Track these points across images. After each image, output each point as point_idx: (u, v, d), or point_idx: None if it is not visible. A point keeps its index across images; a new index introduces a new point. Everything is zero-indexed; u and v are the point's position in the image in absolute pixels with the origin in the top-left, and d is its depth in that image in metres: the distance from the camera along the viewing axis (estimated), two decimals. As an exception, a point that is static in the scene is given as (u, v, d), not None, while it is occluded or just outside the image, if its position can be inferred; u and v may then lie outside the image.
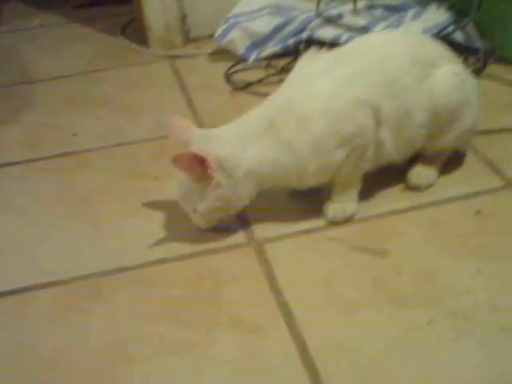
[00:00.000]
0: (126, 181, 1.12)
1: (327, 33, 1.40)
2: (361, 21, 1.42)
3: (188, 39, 1.67)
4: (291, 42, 1.43)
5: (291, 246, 0.95)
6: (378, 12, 1.48)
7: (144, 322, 0.84)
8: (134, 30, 1.77)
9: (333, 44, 1.35)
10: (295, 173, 0.94)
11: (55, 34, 1.84)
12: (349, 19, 1.43)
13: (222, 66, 1.50)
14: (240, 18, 1.51)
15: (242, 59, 1.49)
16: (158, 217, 1.02)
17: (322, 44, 1.35)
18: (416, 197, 1.02)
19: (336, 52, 0.99)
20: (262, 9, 1.52)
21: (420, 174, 1.03)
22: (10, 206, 1.10)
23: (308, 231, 0.97)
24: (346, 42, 1.33)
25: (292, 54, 1.42)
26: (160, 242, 0.97)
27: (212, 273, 0.91)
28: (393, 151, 0.98)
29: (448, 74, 0.99)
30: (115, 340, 0.82)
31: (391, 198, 1.02)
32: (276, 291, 0.86)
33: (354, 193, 0.98)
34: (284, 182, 0.96)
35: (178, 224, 1.00)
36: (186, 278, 0.91)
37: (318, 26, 1.43)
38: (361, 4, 1.48)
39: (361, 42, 1.02)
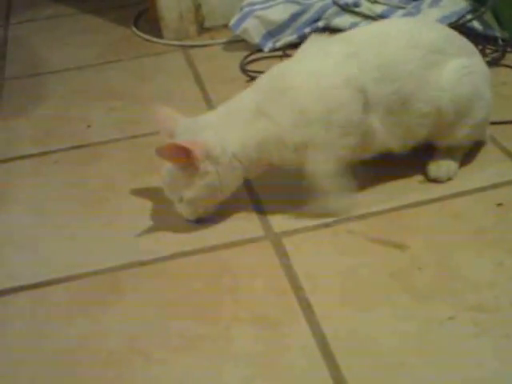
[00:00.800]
0: (141, 173, 1.12)
1: (344, 21, 1.40)
2: (378, 9, 1.42)
3: (202, 29, 1.67)
4: (307, 30, 1.43)
5: (309, 239, 0.95)
6: (395, 0, 1.47)
7: (162, 317, 0.85)
8: (147, 20, 1.78)
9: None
10: (276, 151, 0.94)
11: (67, 24, 1.85)
12: (366, 7, 1.43)
13: (237, 56, 1.50)
14: (255, 6, 1.51)
15: (257, 48, 1.49)
16: (175, 210, 1.02)
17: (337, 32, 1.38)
18: (436, 189, 1.02)
19: (334, 36, 1.00)
20: (278, -3, 1.52)
21: (440, 166, 1.02)
22: (24, 199, 1.11)
23: (326, 224, 0.97)
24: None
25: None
26: (177, 236, 0.98)
27: (230, 267, 0.92)
28: (387, 140, 0.96)
29: (456, 68, 0.97)
30: (133, 335, 0.83)
31: (410, 191, 1.02)
32: (295, 285, 0.87)
33: (339, 185, 0.95)
34: (268, 163, 0.96)
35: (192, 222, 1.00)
36: (204, 272, 0.91)
37: (335, 14, 1.43)
38: (378, -9, 1.47)
39: (363, 28, 1.04)
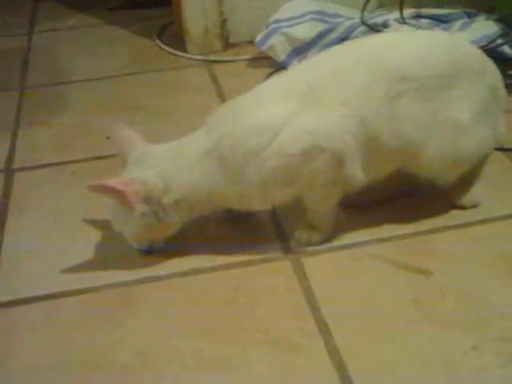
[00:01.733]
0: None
1: (372, 41, 1.40)
2: (406, 30, 1.42)
3: (227, 44, 1.69)
4: (334, 49, 1.43)
5: (330, 261, 0.95)
6: (425, 21, 1.48)
7: (176, 334, 0.85)
8: (172, 33, 1.80)
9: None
10: (238, 200, 0.92)
11: (90, 35, 1.88)
12: (394, 28, 1.43)
13: (262, 73, 1.51)
14: (281, 23, 1.52)
15: (282, 66, 1.50)
16: (192, 226, 1.01)
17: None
18: (460, 214, 1.01)
19: (294, 71, 0.96)
20: (305, 15, 1.53)
21: (464, 193, 1.01)
22: (40, 208, 1.12)
23: (347, 246, 0.97)
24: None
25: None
26: (194, 252, 0.98)
27: (247, 285, 0.92)
28: (367, 180, 0.92)
29: (427, 99, 0.89)
30: (145, 351, 0.83)
31: (435, 215, 1.01)
32: (314, 308, 0.86)
33: (325, 220, 0.96)
34: (223, 205, 0.95)
35: (212, 233, 1.01)
36: (220, 290, 0.91)
37: (363, 33, 1.43)
38: (407, 13, 1.48)
39: (320, 59, 0.95)
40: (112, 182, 0.90)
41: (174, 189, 0.91)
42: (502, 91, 0.98)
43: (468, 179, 1.01)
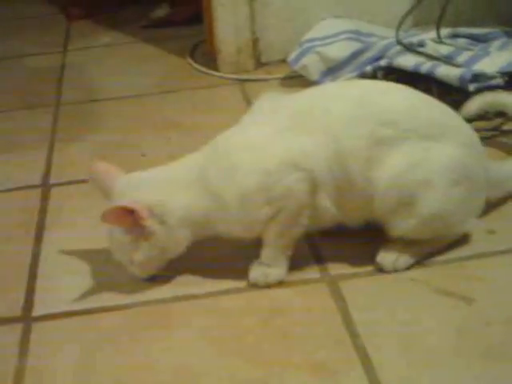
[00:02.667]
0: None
1: (407, 61, 1.39)
2: (443, 49, 1.41)
3: (259, 63, 1.69)
4: (369, 68, 1.43)
5: (369, 284, 0.93)
6: (462, 41, 1.46)
7: (211, 355, 0.84)
8: (204, 52, 1.81)
9: (412, 73, 1.35)
10: (223, 226, 0.92)
11: (123, 53, 1.90)
12: (431, 47, 1.42)
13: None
14: (315, 42, 1.52)
15: (314, 85, 1.49)
16: (229, 245, 1.01)
17: (399, 72, 1.37)
18: (503, 240, 0.99)
19: (286, 100, 0.96)
20: (339, 34, 1.52)
21: (387, 254, 0.94)
22: (76, 223, 1.12)
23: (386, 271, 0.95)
24: (428, 71, 1.33)
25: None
26: (230, 272, 0.97)
27: (283, 307, 0.90)
28: (339, 216, 0.92)
29: (406, 151, 0.88)
30: (180, 369, 0.82)
31: (476, 241, 0.98)
32: (352, 333, 0.85)
33: (283, 257, 0.94)
34: (217, 233, 0.94)
35: (248, 254, 0.99)
36: (257, 311, 0.90)
37: (398, 53, 1.42)
38: (444, 32, 1.46)
39: (315, 91, 0.98)
40: (121, 204, 0.90)
41: (173, 209, 0.91)
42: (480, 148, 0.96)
43: (401, 243, 0.94)
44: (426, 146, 0.89)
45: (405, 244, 0.94)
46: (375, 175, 0.88)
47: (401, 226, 0.91)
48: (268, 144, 0.90)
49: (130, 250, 0.93)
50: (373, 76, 1.42)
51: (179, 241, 0.93)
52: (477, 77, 1.29)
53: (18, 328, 0.91)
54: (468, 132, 0.95)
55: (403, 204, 0.89)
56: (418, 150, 0.88)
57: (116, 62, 1.82)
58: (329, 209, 0.91)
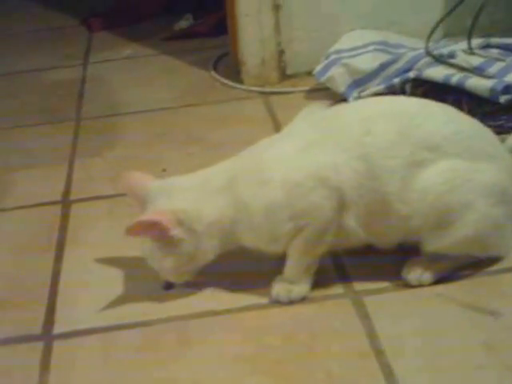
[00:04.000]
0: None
1: (437, 72, 1.42)
2: (475, 60, 1.43)
3: (284, 75, 1.73)
4: (397, 81, 1.46)
5: (394, 300, 0.96)
6: (494, 51, 1.49)
7: (232, 372, 0.87)
8: (227, 64, 1.86)
9: (442, 85, 1.38)
10: (249, 236, 0.96)
11: (145, 65, 1.96)
12: (462, 58, 1.44)
13: (327, 105, 1.54)
14: (342, 53, 1.55)
15: (341, 98, 1.53)
16: (250, 260, 1.05)
17: (428, 84, 1.40)
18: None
19: (324, 114, 1.00)
20: (367, 45, 1.56)
21: (412, 270, 0.98)
22: (96, 240, 1.17)
23: (411, 285, 0.98)
24: (458, 83, 1.36)
25: (397, 94, 1.44)
26: (252, 288, 1.01)
27: (307, 323, 0.94)
28: (364, 238, 0.96)
29: (443, 171, 0.91)
30: (202, 388, 0.85)
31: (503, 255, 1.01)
32: (377, 350, 0.88)
33: (306, 273, 0.98)
34: (243, 243, 0.98)
35: (272, 268, 1.02)
36: (279, 327, 0.94)
37: (427, 64, 1.45)
38: (476, 42, 1.49)
39: (353, 106, 1.00)
40: (145, 217, 0.95)
41: (202, 216, 0.96)
42: None
43: (430, 260, 0.98)
44: (467, 168, 0.93)
45: (431, 259, 0.97)
46: (412, 196, 0.92)
47: (435, 244, 0.95)
48: (298, 158, 0.94)
49: (160, 257, 0.98)
50: (401, 88, 1.45)
51: (208, 248, 0.98)
52: (509, 88, 1.32)
53: (39, 346, 0.95)
54: (507, 157, 0.99)
55: (441, 224, 0.93)
56: (459, 172, 0.92)
57: (138, 75, 1.88)
58: (355, 229, 0.94)
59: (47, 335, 0.98)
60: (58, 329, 0.99)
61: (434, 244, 0.95)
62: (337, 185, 0.92)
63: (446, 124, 0.95)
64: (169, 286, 1.03)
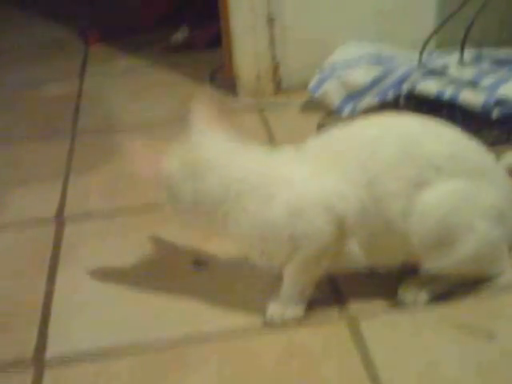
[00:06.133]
0: (214, 239, 1.12)
1: (430, 86, 1.40)
2: (467, 73, 1.41)
3: (279, 89, 1.71)
4: (390, 94, 1.44)
5: (389, 320, 0.94)
6: (486, 64, 1.46)
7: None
8: (222, 77, 1.83)
9: (435, 101, 1.36)
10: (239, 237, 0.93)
11: (141, 78, 1.93)
12: (454, 71, 1.42)
13: (314, 118, 1.52)
14: (336, 66, 1.53)
15: (335, 111, 1.51)
16: (245, 285, 1.03)
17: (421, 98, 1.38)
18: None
19: (334, 134, 0.97)
20: (360, 58, 1.54)
21: (409, 290, 0.96)
22: (88, 261, 1.13)
23: (407, 309, 0.95)
24: (451, 98, 1.34)
25: (390, 107, 1.42)
26: (245, 311, 0.98)
27: (301, 346, 0.91)
28: (365, 262, 0.94)
29: (443, 192, 0.90)
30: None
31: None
32: (372, 374, 0.85)
33: (301, 295, 0.96)
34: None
35: (264, 288, 1.01)
36: (273, 351, 0.91)
37: (421, 77, 1.43)
38: (467, 55, 1.46)
39: (358, 127, 0.96)
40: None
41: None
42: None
43: (427, 280, 0.96)
44: (468, 189, 0.91)
45: (426, 279, 0.95)
46: (415, 217, 0.90)
47: (435, 264, 0.93)
48: (306, 184, 0.91)
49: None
50: (395, 101, 1.43)
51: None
52: (500, 102, 1.29)
53: (29, 372, 0.92)
54: (503, 175, 0.98)
55: (442, 244, 0.91)
56: (460, 193, 0.91)
57: (133, 88, 1.85)
58: (357, 254, 0.92)
59: (39, 360, 0.94)
60: (49, 354, 0.95)
61: (434, 264, 0.93)
62: (341, 213, 0.89)
63: (447, 145, 0.93)
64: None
